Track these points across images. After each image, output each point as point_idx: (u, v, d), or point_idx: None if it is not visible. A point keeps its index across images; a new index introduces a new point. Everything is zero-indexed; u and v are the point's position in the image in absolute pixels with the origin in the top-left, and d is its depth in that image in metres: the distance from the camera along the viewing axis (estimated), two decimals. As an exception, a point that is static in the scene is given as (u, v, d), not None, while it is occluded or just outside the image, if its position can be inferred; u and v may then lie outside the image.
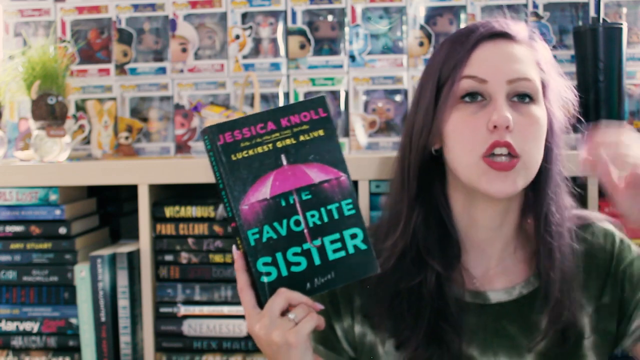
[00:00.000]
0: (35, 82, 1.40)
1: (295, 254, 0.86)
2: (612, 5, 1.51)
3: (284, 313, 0.83)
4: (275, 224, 0.85)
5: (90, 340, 1.31)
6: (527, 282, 0.99)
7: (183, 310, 1.31)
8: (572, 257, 0.97)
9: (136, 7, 1.62)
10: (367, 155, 1.44)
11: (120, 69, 1.63)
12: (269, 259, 0.85)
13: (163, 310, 1.32)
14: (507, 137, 0.89)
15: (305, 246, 0.86)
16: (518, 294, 0.99)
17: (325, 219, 0.87)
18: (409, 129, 0.99)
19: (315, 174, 0.87)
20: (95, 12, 1.63)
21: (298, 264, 0.86)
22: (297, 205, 0.86)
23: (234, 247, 0.86)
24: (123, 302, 1.31)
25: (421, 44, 1.56)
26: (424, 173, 0.97)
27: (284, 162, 0.86)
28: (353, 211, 0.88)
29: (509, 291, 0.99)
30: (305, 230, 0.86)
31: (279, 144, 0.86)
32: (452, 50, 0.95)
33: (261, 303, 0.84)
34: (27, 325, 1.33)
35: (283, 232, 0.85)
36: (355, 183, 1.27)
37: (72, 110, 1.62)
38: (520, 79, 0.92)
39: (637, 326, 0.98)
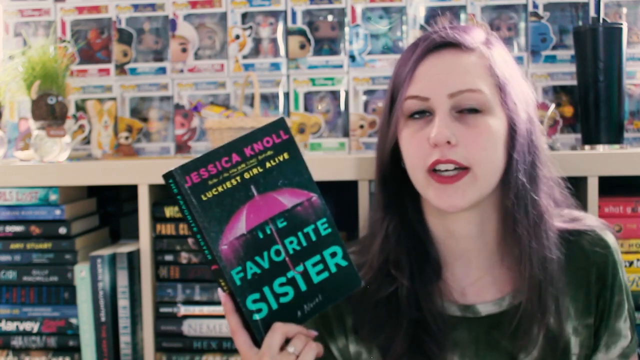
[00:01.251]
0: (35, 82, 1.40)
1: (281, 285, 0.84)
2: (612, 5, 1.51)
3: (282, 347, 0.83)
4: (257, 258, 0.83)
5: (90, 340, 1.31)
6: (516, 291, 0.96)
7: (183, 310, 1.31)
8: (556, 264, 0.94)
9: (136, 7, 1.62)
10: (367, 155, 1.44)
11: (120, 69, 1.63)
12: (257, 295, 0.83)
13: (163, 310, 1.32)
14: (449, 154, 0.89)
15: (290, 274, 0.85)
16: (508, 304, 0.96)
17: (304, 243, 0.86)
18: (378, 141, 1.01)
19: (287, 199, 0.86)
20: (95, 12, 1.63)
21: (286, 294, 0.85)
22: (275, 235, 0.85)
23: (219, 290, 0.84)
24: (123, 302, 1.31)
25: (421, 44, 1.56)
26: (393, 186, 0.98)
27: (255, 192, 0.84)
28: (329, 230, 0.88)
29: (499, 302, 0.97)
30: (287, 259, 0.85)
31: (246, 175, 0.84)
32: (399, 68, 0.96)
33: (257, 342, 0.84)
34: (27, 325, 1.33)
35: (266, 264, 0.84)
36: (355, 183, 1.27)
37: (72, 110, 1.62)
38: (463, 91, 0.90)
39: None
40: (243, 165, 0.84)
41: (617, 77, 1.31)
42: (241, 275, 0.82)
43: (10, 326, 1.33)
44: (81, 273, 1.31)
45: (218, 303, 1.31)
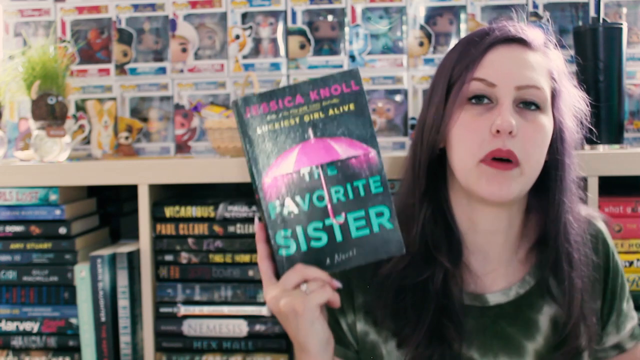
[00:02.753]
0: (35, 82, 1.40)
1: (316, 229, 0.84)
2: (612, 5, 1.51)
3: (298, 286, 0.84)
4: (298, 198, 0.84)
5: (90, 340, 1.31)
6: (522, 281, 0.99)
7: (183, 310, 1.31)
8: (589, 264, 0.97)
9: (136, 7, 1.62)
10: (367, 155, 1.44)
11: (120, 69, 1.63)
12: (289, 232, 0.84)
13: (163, 310, 1.32)
14: (508, 144, 0.89)
15: (328, 222, 0.85)
16: (515, 294, 0.99)
17: (351, 196, 0.85)
18: (420, 127, 0.99)
19: (343, 149, 0.85)
20: (95, 12, 1.63)
21: (319, 239, 0.85)
22: (322, 180, 0.85)
23: (256, 217, 0.86)
24: (123, 302, 1.31)
25: (421, 44, 1.56)
26: (432, 171, 0.98)
27: (311, 135, 0.85)
28: (381, 189, 0.86)
29: (506, 292, 0.99)
30: (329, 206, 0.85)
31: (306, 118, 0.85)
32: (466, 51, 0.95)
33: (279, 275, 0.85)
34: (27, 325, 1.33)
35: (305, 207, 0.84)
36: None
37: (72, 110, 1.62)
38: (530, 86, 0.91)
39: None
40: (305, 108, 0.85)
41: (617, 77, 1.31)
42: (277, 210, 0.84)
43: (10, 326, 1.33)
44: (81, 273, 1.31)
45: (218, 303, 1.31)
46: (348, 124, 0.85)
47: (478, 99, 0.93)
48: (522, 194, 0.94)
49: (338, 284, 0.86)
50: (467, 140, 0.92)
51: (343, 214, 0.85)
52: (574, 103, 0.99)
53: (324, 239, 0.85)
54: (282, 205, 0.84)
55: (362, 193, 0.85)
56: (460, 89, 0.93)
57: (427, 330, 0.94)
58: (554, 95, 0.95)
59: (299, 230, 0.84)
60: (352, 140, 0.85)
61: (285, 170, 0.84)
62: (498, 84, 0.91)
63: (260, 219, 0.86)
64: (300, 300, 0.82)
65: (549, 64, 0.95)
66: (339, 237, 0.85)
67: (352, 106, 0.86)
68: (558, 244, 0.96)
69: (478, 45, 0.94)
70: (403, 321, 0.96)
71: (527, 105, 0.92)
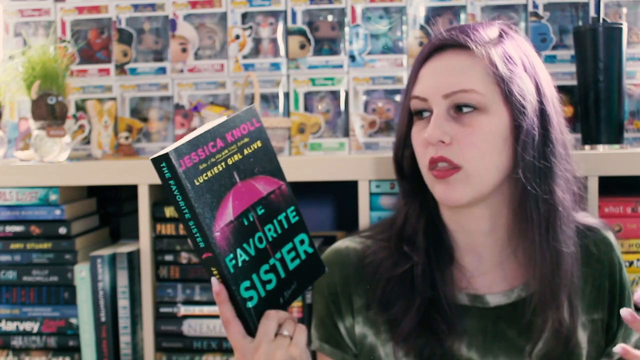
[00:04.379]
0: (35, 82, 1.40)
1: (266, 272, 0.86)
2: (612, 5, 1.51)
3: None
4: (245, 245, 0.84)
5: (90, 340, 1.31)
6: (526, 284, 0.99)
7: (183, 310, 1.31)
8: (576, 262, 0.96)
9: (136, 7, 1.62)
10: (367, 155, 1.44)
11: (120, 69, 1.63)
12: (248, 283, 0.84)
13: (163, 310, 1.32)
14: (441, 151, 0.92)
15: (271, 261, 0.86)
16: (517, 296, 0.98)
17: (279, 230, 0.88)
18: (395, 136, 1.05)
19: (263, 187, 0.87)
20: (95, 12, 1.63)
21: (270, 281, 0.86)
22: (257, 222, 0.85)
23: (212, 278, 0.83)
24: (123, 302, 1.31)
25: (421, 44, 1.56)
26: (412, 177, 1.02)
27: (237, 179, 0.84)
28: (297, 217, 0.90)
29: (508, 294, 0.99)
30: (268, 246, 0.86)
31: (229, 161, 0.84)
32: (413, 66, 1.00)
33: (250, 330, 0.84)
34: (27, 325, 1.33)
35: (252, 251, 0.84)
36: (355, 183, 1.27)
37: (72, 110, 1.62)
38: (456, 91, 0.92)
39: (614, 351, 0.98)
40: (226, 151, 0.84)
41: (617, 77, 1.31)
42: (233, 263, 0.82)
43: (10, 326, 1.34)
44: (81, 273, 1.31)
45: (218, 303, 1.31)
46: (261, 161, 0.87)
47: (419, 113, 0.97)
48: (476, 196, 0.94)
49: (296, 316, 0.91)
50: (417, 152, 0.97)
51: (279, 250, 0.87)
52: (536, 89, 0.94)
53: (273, 279, 0.86)
54: (235, 256, 0.83)
55: (285, 226, 0.88)
56: (408, 106, 0.99)
57: (415, 321, 0.95)
58: (508, 87, 0.91)
59: (254, 278, 0.85)
60: (266, 177, 0.87)
61: (228, 219, 0.82)
62: (428, 97, 0.94)
63: (217, 278, 0.83)
64: (292, 346, 0.84)
65: (485, 60, 0.92)
66: (282, 273, 0.87)
67: (259, 143, 0.87)
68: (542, 243, 0.94)
69: (417, 61, 0.98)
70: (392, 311, 0.98)
71: (459, 109, 0.93)
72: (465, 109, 0.92)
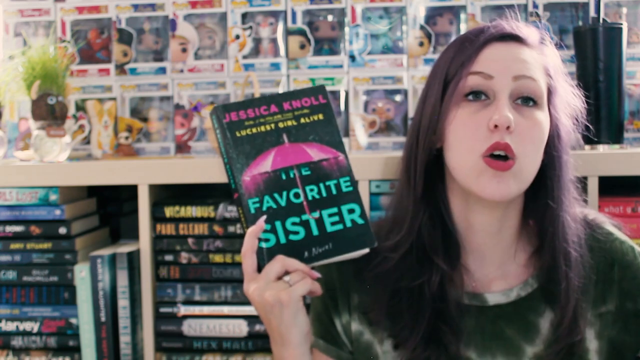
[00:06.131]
0: (35, 82, 1.40)
1: (294, 224, 0.90)
2: (612, 5, 1.51)
3: (280, 278, 0.87)
4: (275, 195, 0.90)
5: (90, 340, 1.31)
6: (525, 283, 0.99)
7: (183, 310, 1.31)
8: (582, 262, 0.96)
9: (136, 7, 1.62)
10: (367, 155, 1.44)
11: (120, 69, 1.63)
12: (268, 226, 0.89)
13: (163, 310, 1.32)
14: (506, 139, 0.89)
15: (304, 217, 0.91)
16: (516, 295, 0.98)
17: (324, 194, 0.92)
18: (416, 127, 0.98)
19: (315, 153, 0.93)
20: (95, 12, 1.63)
21: (296, 232, 0.90)
22: (297, 179, 0.91)
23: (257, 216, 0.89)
24: (123, 302, 1.31)
25: (421, 44, 1.56)
26: (429, 172, 0.97)
27: (285, 140, 0.92)
28: (350, 188, 0.93)
29: (507, 293, 0.98)
30: (304, 203, 0.91)
31: (280, 125, 0.92)
32: (461, 48, 0.95)
33: (260, 268, 0.88)
34: (27, 325, 1.33)
35: (283, 202, 0.90)
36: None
37: (72, 110, 1.62)
38: (526, 76, 0.91)
39: None
40: (279, 116, 0.93)
41: (617, 77, 1.31)
42: (257, 206, 0.89)
43: (10, 326, 1.33)
44: (81, 273, 1.31)
45: (218, 303, 1.31)
46: (318, 131, 0.94)
47: (475, 95, 0.92)
48: (519, 193, 0.93)
49: (317, 274, 0.89)
50: (466, 137, 0.92)
51: (318, 210, 0.92)
52: (570, 101, 0.98)
53: (302, 232, 0.90)
54: (261, 201, 0.90)
55: (334, 192, 0.93)
56: (457, 86, 0.92)
57: (424, 334, 0.94)
58: (550, 91, 0.95)
59: (277, 224, 0.90)
60: (322, 145, 0.94)
61: (264, 169, 0.91)
62: (495, 75, 0.91)
63: (239, 216, 0.92)
64: (285, 291, 0.86)
65: (544, 60, 0.95)
66: (315, 231, 0.91)
67: (321, 116, 0.94)
68: (555, 243, 0.95)
69: (473, 42, 0.94)
70: (400, 324, 0.96)
71: (524, 101, 0.92)
72: (526, 102, 0.92)
